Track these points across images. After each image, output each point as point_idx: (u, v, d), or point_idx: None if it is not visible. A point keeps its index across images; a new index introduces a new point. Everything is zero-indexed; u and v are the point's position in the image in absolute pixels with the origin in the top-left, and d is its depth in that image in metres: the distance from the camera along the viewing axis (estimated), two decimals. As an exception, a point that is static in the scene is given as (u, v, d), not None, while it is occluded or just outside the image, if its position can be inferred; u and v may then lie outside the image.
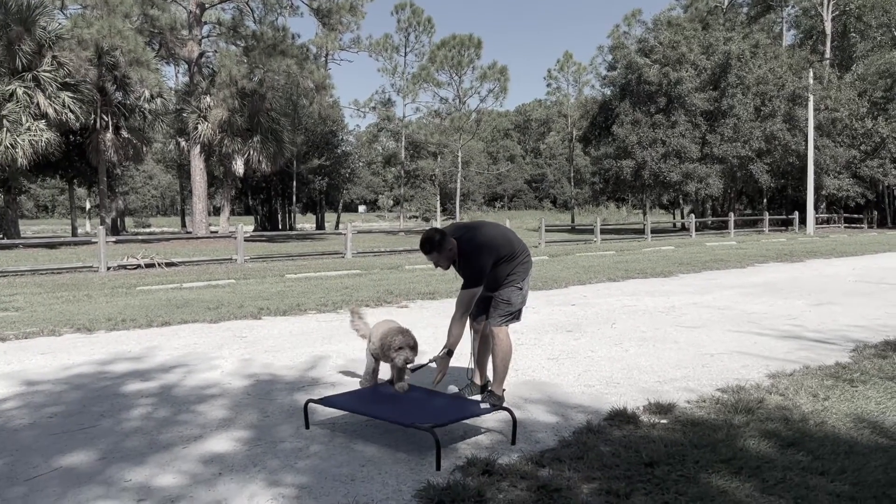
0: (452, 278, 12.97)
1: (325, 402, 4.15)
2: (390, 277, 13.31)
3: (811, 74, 34.59)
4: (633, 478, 3.34)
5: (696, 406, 4.58)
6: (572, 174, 61.06)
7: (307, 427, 4.15)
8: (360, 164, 57.84)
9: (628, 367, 5.77)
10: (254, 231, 39.56)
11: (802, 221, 35.16)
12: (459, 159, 47.56)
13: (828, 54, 38.23)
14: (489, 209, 78.89)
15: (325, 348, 6.58)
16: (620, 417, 4.29)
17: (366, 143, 62.21)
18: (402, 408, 4.00)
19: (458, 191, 49.00)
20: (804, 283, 12.13)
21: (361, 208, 59.81)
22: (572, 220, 57.76)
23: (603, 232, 27.78)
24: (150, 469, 3.54)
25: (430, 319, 8.25)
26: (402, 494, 3.23)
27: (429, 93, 49.42)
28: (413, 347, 4.36)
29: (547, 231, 25.17)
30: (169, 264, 16.28)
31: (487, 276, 4.46)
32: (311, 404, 4.20)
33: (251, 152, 29.09)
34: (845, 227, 38.84)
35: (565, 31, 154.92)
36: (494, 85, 44.88)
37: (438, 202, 51.52)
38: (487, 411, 4.00)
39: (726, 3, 41.35)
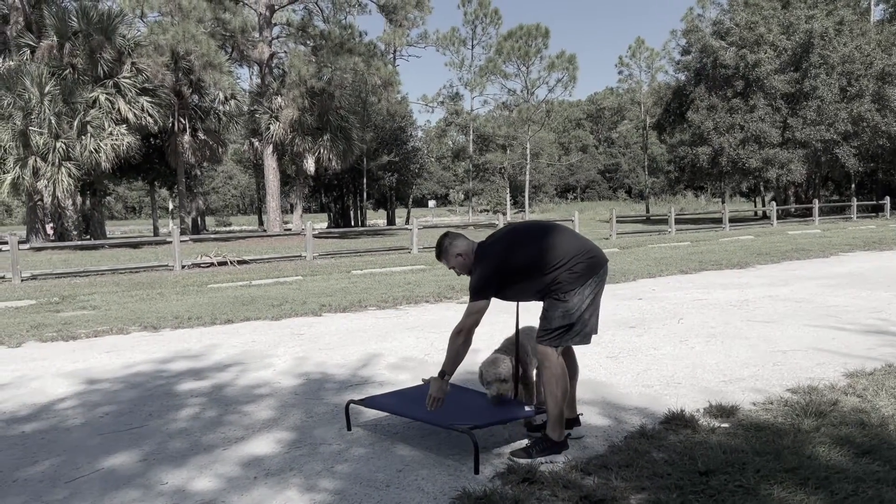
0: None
1: (366, 402, 4.06)
2: (453, 273, 13.20)
3: (902, 50, 32.49)
4: (686, 488, 3.10)
5: (761, 408, 4.27)
6: (647, 163, 59.52)
7: (349, 429, 4.08)
8: (430, 159, 58.02)
9: (692, 366, 5.47)
10: (327, 227, 40.26)
11: (894, 207, 33.14)
12: (528, 151, 47.03)
13: (921, 28, 35.79)
14: (561, 201, 77.84)
15: (379, 346, 6.52)
16: (677, 421, 4.03)
17: (434, 137, 62.35)
18: (443, 409, 3.87)
19: (528, 183, 48.50)
20: (893, 272, 11.36)
21: (432, 203, 59.98)
22: (647, 211, 56.33)
23: (678, 222, 26.94)
24: (189, 472, 3.53)
25: (488, 316, 8.04)
26: (438, 502, 3.10)
27: (496, 85, 49.21)
28: (504, 380, 4.01)
29: (619, 222, 24.57)
30: (241, 262, 16.67)
31: (514, 287, 3.84)
32: (353, 405, 4.12)
33: (321, 150, 29.56)
34: (944, 211, 36.37)
35: (636, 17, 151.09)
36: (563, 74, 44.13)
37: (508, 195, 51.15)
38: (532, 414, 3.83)
39: (808, -21, 39.27)
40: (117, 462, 3.70)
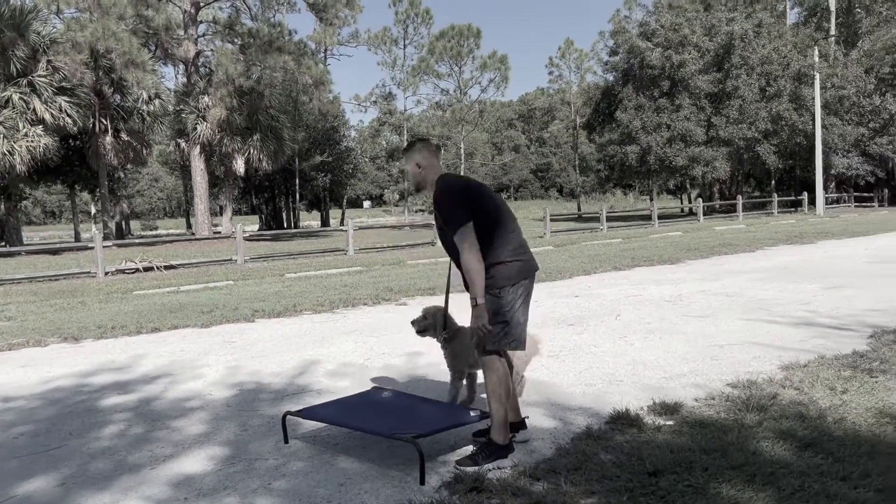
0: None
1: (304, 413, 3.87)
2: (391, 274, 13.04)
3: (816, 52, 33.97)
4: (636, 490, 3.05)
5: (704, 404, 4.28)
6: (577, 162, 60.55)
7: (286, 442, 3.88)
8: (364, 159, 57.54)
9: (633, 363, 5.47)
10: (258, 230, 39.38)
11: (812, 202, 34.66)
12: (462, 151, 47.17)
13: (833, 31, 37.61)
14: (495, 200, 78.33)
15: (317, 352, 6.31)
16: (623, 420, 3.99)
17: (368, 137, 61.93)
18: (385, 417, 3.72)
19: (463, 183, 48.60)
20: (816, 265, 11.78)
21: (367, 203, 59.53)
22: (578, 209, 57.30)
23: (609, 219, 27.45)
24: (113, 495, 3.27)
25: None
26: (383, 517, 2.95)
27: (429, 85, 49.23)
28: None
29: (553, 220, 24.84)
30: (168, 267, 16.07)
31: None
32: (290, 417, 3.93)
33: (251, 151, 28.84)
34: (855, 206, 38.31)
35: (566, 18, 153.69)
36: (495, 74, 44.47)
37: (443, 195, 51.11)
38: (478, 419, 3.71)
39: (728, -17, 40.71)
40: (33, 488, 3.41)
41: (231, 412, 4.55)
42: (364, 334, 7.06)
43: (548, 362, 5.60)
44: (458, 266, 3.55)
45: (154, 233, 51.08)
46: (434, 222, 3.78)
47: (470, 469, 3.39)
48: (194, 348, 6.71)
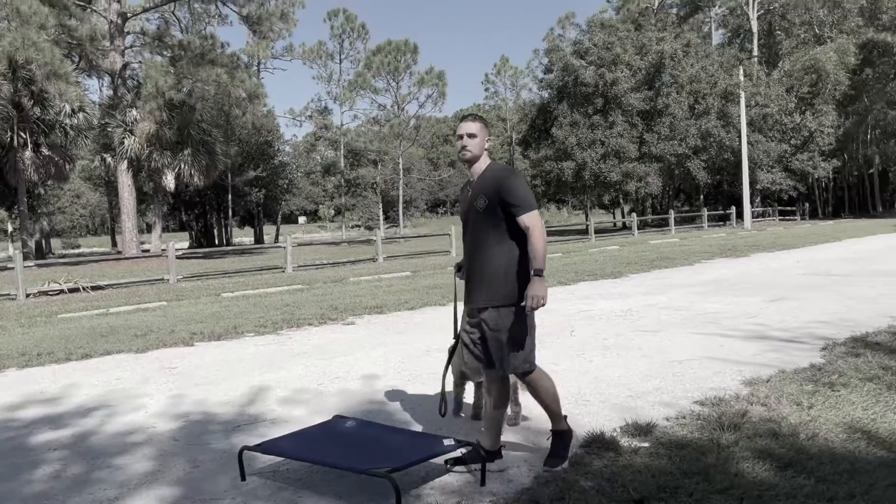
0: (400, 290, 12.42)
1: (264, 448, 3.58)
2: (334, 291, 12.70)
3: (741, 72, 35.36)
4: (626, 521, 2.90)
5: (676, 424, 4.19)
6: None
7: (243, 479, 3.58)
8: (299, 174, 56.69)
9: (596, 381, 5.36)
10: (188, 248, 38.17)
11: (739, 216, 35.88)
12: (401, 166, 47.01)
13: (755, 52, 39.24)
14: (432, 215, 78.59)
15: (266, 377, 5.97)
16: (598, 443, 3.85)
17: (303, 152, 61.06)
18: (354, 450, 3.48)
19: (401, 198, 48.45)
20: (754, 278, 12.06)
21: (302, 219, 58.56)
22: (515, 224, 57.78)
23: (547, 234, 27.64)
24: (50, 549, 2.92)
25: (380, 337, 7.72)
26: (359, 562, 2.71)
27: (366, 100, 48.83)
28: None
29: (492, 235, 24.87)
30: (95, 288, 15.28)
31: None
32: (247, 451, 3.63)
33: (182, 166, 27.95)
34: (780, 219, 39.88)
35: (501, 36, 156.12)
36: (433, 90, 44.54)
37: (381, 210, 50.85)
38: (452, 448, 3.51)
39: (657, 4, 42.06)
40: (-46, 546, 3.02)
41: (179, 447, 4.20)
42: (314, 357, 6.76)
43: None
44: (478, 250, 3.52)
45: (77, 251, 48.92)
46: (465, 202, 3.70)
47: (560, 467, 3.50)
48: (131, 376, 6.27)
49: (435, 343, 7.14)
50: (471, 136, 3.58)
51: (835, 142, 39.43)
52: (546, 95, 42.31)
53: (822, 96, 38.45)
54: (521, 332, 3.45)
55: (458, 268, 3.96)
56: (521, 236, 3.46)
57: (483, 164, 3.63)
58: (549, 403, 3.65)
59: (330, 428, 3.87)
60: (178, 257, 17.67)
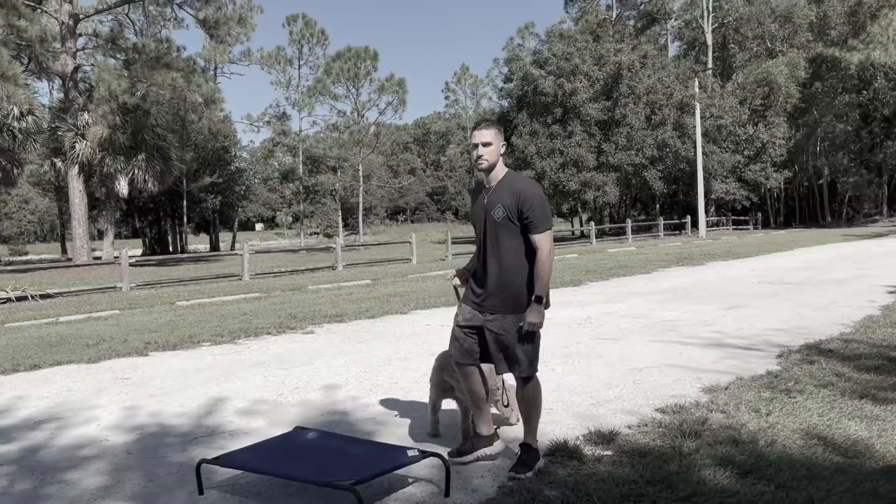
0: (360, 299, 12.32)
1: (223, 461, 3.48)
2: (293, 300, 12.53)
3: (696, 84, 36.13)
4: (591, 531, 2.89)
5: (638, 432, 4.21)
6: (473, 186, 61.37)
7: (201, 493, 3.47)
8: (256, 180, 56.03)
9: (558, 388, 5.37)
10: (142, 255, 37.36)
11: (694, 225, 36.59)
12: (361, 173, 46.79)
13: (710, 64, 40.15)
14: (392, 223, 78.39)
15: (223, 388, 5.84)
16: (562, 452, 3.85)
17: (261, 158, 60.40)
18: (315, 462, 3.41)
19: (361, 205, 48.21)
20: (710, 286, 12.27)
21: (259, 226, 57.79)
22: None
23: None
24: (-5, 572, 2.79)
25: (341, 346, 7.63)
26: (322, 579, 2.64)
27: (325, 106, 48.55)
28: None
29: (453, 243, 24.90)
30: (44, 296, 14.81)
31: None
32: (205, 465, 3.52)
33: (136, 171, 27.34)
34: (733, 228, 40.78)
35: (461, 45, 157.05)
36: (393, 97, 44.52)
37: (340, 217, 50.53)
38: (417, 459, 3.46)
39: (614, 16, 42.78)
40: None
41: (133, 460, 4.07)
42: (272, 367, 6.64)
43: (472, 391, 5.42)
44: (491, 258, 3.60)
45: (24, 258, 47.44)
46: (480, 209, 3.70)
47: (525, 475, 3.51)
48: (83, 387, 6.07)
49: (397, 352, 7.08)
50: (486, 144, 3.59)
51: (786, 153, 40.55)
52: (506, 104, 42.65)
53: (773, 108, 39.53)
54: (525, 339, 3.59)
55: (457, 275, 3.96)
56: (533, 250, 3.54)
57: (501, 171, 3.65)
58: (533, 416, 3.76)
59: (290, 440, 3.79)
60: (131, 265, 17.25)
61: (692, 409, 4.59)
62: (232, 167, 45.88)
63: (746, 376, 5.41)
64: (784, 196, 49.26)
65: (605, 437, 4.09)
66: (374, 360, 6.76)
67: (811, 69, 41.21)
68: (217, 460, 3.49)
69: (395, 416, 4.79)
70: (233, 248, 43.55)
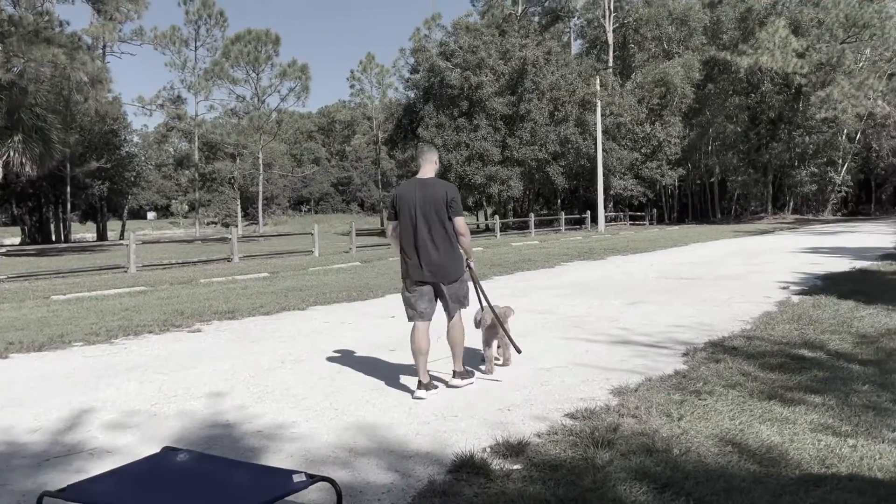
0: (255, 293, 11.64)
1: (69, 494, 2.92)
2: (181, 294, 11.70)
3: (598, 82, 36.89)
4: (502, 565, 2.56)
5: (549, 441, 3.93)
6: (380, 177, 60.75)
7: (42, 534, 2.91)
8: (149, 166, 53.19)
9: (463, 392, 5.07)
10: (20, 244, 34.68)
11: (594, 220, 37.45)
12: (261, 161, 45.20)
13: (611, 63, 41.11)
14: (295, 213, 76.50)
15: (90, 396, 5.18)
16: (468, 468, 3.52)
17: (154, 143, 57.46)
18: (186, 492, 2.91)
19: (261, 194, 46.61)
20: (612, 281, 12.34)
21: (151, 215, 54.82)
22: (381, 224, 57.48)
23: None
24: None
25: (229, 348, 7.03)
26: None
27: (224, 90, 46.59)
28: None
29: (357, 235, 24.31)
30: None
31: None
32: (48, 498, 2.96)
33: (11, 153, 25.21)
34: (630, 224, 42.04)
35: (367, 33, 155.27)
36: (296, 84, 43.14)
37: (239, 206, 48.69)
38: (304, 485, 3.02)
39: (520, 12, 43.08)
40: None
41: (-36, 492, 3.43)
42: (151, 371, 6.00)
43: (372, 397, 5.02)
44: (433, 237, 4.98)
45: None
46: (421, 205, 4.97)
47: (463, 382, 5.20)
48: (-81, 398, 5.25)
49: (291, 353, 6.57)
50: (431, 162, 5.22)
51: (680, 152, 42.12)
52: (412, 95, 42.22)
53: (669, 108, 40.95)
54: (466, 289, 5.30)
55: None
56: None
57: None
58: (459, 343, 5.23)
59: (157, 464, 3.26)
60: (3, 254, 15.78)
61: (603, 413, 4.37)
62: (122, 152, 43.32)
63: (655, 376, 5.26)
64: (678, 193, 51.28)
65: (513, 449, 3.78)
66: (265, 362, 6.24)
67: (705, 71, 42.97)
68: (63, 492, 2.92)
69: (286, 429, 4.33)
70: (121, 237, 41.16)
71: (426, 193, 4.91)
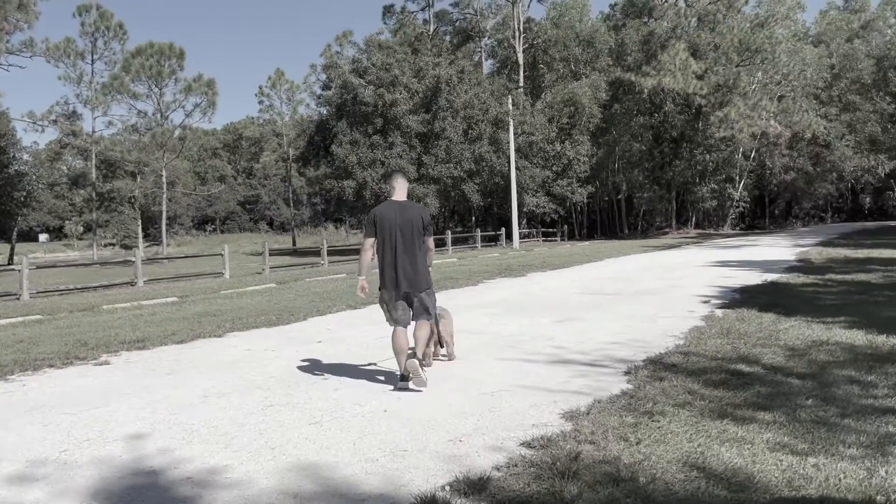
0: (165, 319, 10.94)
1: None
2: (83, 322, 10.84)
3: (510, 101, 37.47)
4: None
5: (509, 474, 3.71)
6: (290, 195, 59.48)
7: None
8: (40, 186, 50.09)
9: (409, 422, 4.77)
10: None
11: (508, 236, 37.85)
12: (164, 179, 43.34)
13: (521, 83, 41.93)
14: (200, 232, 73.90)
15: (-15, 444, 4.56)
16: (431, 511, 3.23)
17: (46, 161, 54.25)
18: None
19: (164, 214, 44.65)
20: (537, 298, 12.30)
21: (43, 237, 51.55)
22: (294, 243, 56.32)
23: (329, 253, 26.86)
24: None
25: (143, 380, 6.46)
26: None
27: (124, 105, 44.31)
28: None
29: (270, 255, 23.53)
30: None
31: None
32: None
33: None
34: (543, 240, 42.78)
35: (276, 49, 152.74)
36: (201, 99, 41.70)
37: (140, 227, 46.47)
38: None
39: (432, 30, 43.38)
40: None
41: None
42: (56, 411, 5.39)
43: (310, 432, 4.65)
44: (409, 254, 5.79)
45: None
46: (386, 226, 5.79)
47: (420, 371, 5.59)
48: None
49: (214, 386, 6.08)
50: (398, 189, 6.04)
51: (589, 169, 43.32)
52: (325, 112, 41.65)
53: (578, 127, 42.09)
54: (434, 300, 6.04)
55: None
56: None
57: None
58: (423, 339, 5.90)
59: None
60: None
61: (560, 441, 4.19)
62: (10, 170, 40.61)
63: (603, 398, 5.13)
64: (587, 209, 52.71)
65: (474, 485, 3.54)
66: (186, 397, 5.73)
67: (611, 92, 44.48)
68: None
69: (219, 473, 3.91)
70: (10, 262, 38.43)
71: (405, 215, 5.77)
